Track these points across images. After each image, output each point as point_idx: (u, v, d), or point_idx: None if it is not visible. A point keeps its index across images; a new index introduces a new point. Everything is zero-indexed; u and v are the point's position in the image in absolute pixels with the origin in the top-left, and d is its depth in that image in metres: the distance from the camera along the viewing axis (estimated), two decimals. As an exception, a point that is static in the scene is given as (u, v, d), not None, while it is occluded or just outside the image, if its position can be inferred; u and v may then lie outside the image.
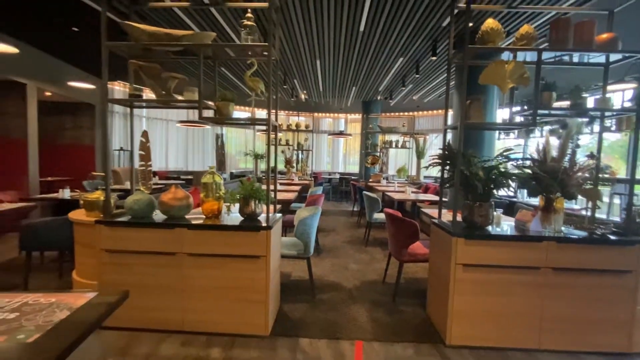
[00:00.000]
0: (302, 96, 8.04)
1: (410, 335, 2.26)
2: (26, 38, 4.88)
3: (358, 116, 10.55)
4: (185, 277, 2.19)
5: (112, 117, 7.81)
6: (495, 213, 2.23)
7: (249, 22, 2.22)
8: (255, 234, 2.13)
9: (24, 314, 0.97)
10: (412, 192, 5.15)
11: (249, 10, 2.27)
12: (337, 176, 10.22)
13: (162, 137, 9.27)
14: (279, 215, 2.51)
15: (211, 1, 2.36)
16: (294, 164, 8.02)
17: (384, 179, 7.31)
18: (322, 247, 4.41)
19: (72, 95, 6.34)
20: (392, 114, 9.72)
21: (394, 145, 7.45)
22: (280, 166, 9.53)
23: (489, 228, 2.22)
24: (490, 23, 2.16)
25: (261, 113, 9.30)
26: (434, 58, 4.67)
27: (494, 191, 2.16)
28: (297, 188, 5.37)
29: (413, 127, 9.56)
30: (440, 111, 9.59)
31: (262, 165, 9.19)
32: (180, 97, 2.31)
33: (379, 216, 4.48)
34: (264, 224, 2.16)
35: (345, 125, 10.93)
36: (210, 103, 2.31)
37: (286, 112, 10.11)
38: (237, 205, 2.33)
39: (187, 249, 2.17)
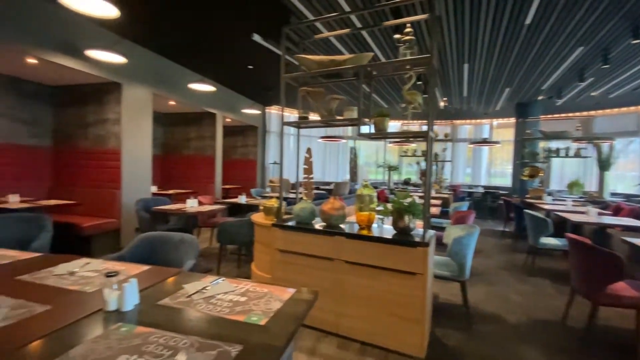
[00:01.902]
0: (441, 104, 7.57)
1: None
2: (216, 78, 6.37)
3: (508, 120, 9.15)
4: (341, 282, 2.32)
5: (269, 136, 9.30)
6: None
7: (407, 37, 2.23)
8: (411, 250, 2.08)
9: (250, 298, 1.20)
10: (597, 213, 4.03)
11: (408, 25, 2.28)
12: (480, 190, 9.08)
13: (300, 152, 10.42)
14: (432, 232, 2.38)
15: (368, 24, 2.51)
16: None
17: (547, 194, 6.03)
18: (471, 270, 3.95)
19: (243, 119, 7.89)
20: (558, 115, 7.98)
21: (562, 153, 6.07)
22: (395, 176, 9.20)
23: None
24: None
25: (399, 125, 9.24)
26: (636, 42, 3.59)
27: None
28: (438, 202, 5.03)
29: (590, 131, 7.56)
30: (632, 108, 7.27)
31: (395, 177, 9.11)
32: (339, 117, 2.52)
33: (548, 241, 3.69)
34: (418, 240, 2.09)
35: (490, 132, 9.66)
36: (366, 120, 2.43)
37: (421, 121, 9.74)
38: (388, 217, 2.34)
39: (344, 257, 2.30)
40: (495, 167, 10.13)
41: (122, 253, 1.88)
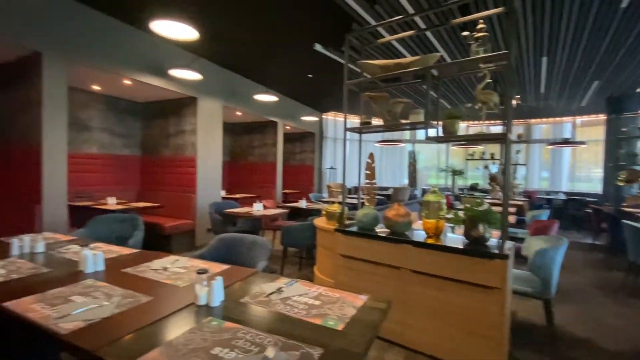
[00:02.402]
0: (514, 102, 6.93)
1: None
2: (278, 88, 6.67)
3: (596, 118, 8.02)
4: (407, 292, 2.24)
5: (325, 142, 9.45)
6: None
7: (480, 34, 2.09)
8: (487, 262, 1.92)
9: (324, 302, 1.22)
10: None
11: (480, 21, 2.15)
12: (561, 196, 8.07)
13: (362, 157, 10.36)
14: (511, 243, 2.18)
15: (433, 25, 2.41)
16: (500, 182, 6.97)
17: (651, 203, 5.10)
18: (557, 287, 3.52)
19: (302, 127, 8.14)
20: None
21: (671, 154, 5.10)
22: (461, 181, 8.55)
23: None
24: None
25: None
26: None
27: None
28: (512, 209, 4.58)
29: None
30: None
31: (459, 182, 8.55)
32: (404, 121, 2.46)
33: (657, 258, 3.13)
34: (496, 251, 1.92)
35: (572, 131, 8.56)
36: (434, 122, 2.33)
37: (489, 122, 9.01)
38: (459, 226, 2.20)
39: (410, 265, 2.22)
40: (579, 171, 8.92)
41: (202, 252, 2.06)
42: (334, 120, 9.56)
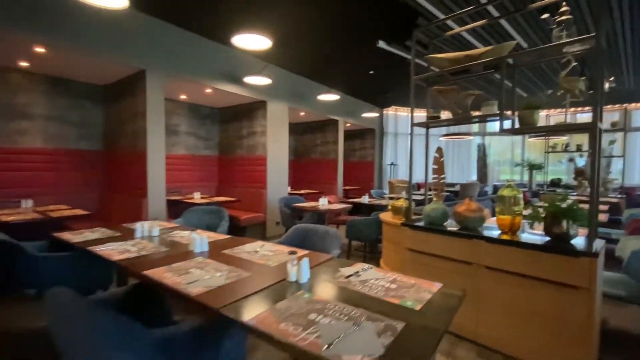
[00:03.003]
0: (606, 85, 6.07)
1: None
2: (339, 87, 6.81)
3: None
4: (480, 288, 2.20)
5: (386, 137, 9.35)
6: None
7: (563, 17, 1.96)
8: (573, 260, 1.81)
9: (400, 287, 1.33)
10: None
11: (564, 2, 2.00)
12: (672, 194, 6.83)
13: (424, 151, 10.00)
14: (601, 241, 2.00)
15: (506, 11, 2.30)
16: (588, 176, 6.17)
17: None
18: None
19: (362, 123, 8.19)
20: None
21: None
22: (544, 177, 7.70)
23: None
24: None
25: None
26: None
27: None
28: (604, 207, 4.08)
29: None
30: None
31: (538, 177, 7.78)
32: (475, 113, 2.40)
33: None
34: (582, 249, 1.80)
35: (688, 117, 7.16)
36: (508, 113, 2.24)
37: (574, 108, 7.99)
38: (539, 223, 2.08)
39: (483, 261, 2.18)
40: (698, 163, 7.41)
41: (281, 240, 2.30)
42: (394, 115, 9.39)
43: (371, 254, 4.18)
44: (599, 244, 1.91)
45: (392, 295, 1.24)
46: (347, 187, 8.19)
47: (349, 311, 1.09)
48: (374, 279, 1.40)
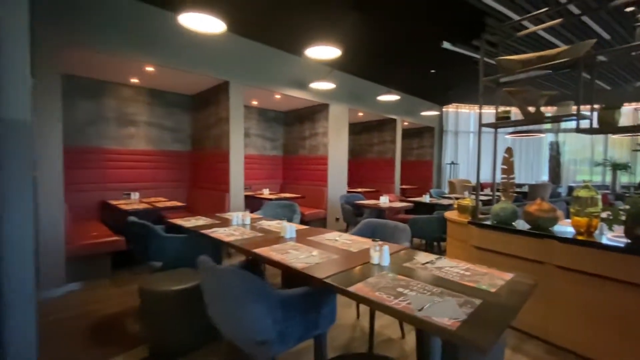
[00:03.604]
0: None
1: None
2: (399, 86, 6.86)
3: None
4: (551, 287, 2.22)
5: (445, 136, 9.10)
6: None
7: (652, 13, 1.90)
8: (658, 262, 1.77)
9: (473, 274, 1.49)
10: None
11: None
12: None
13: (491, 150, 9.51)
14: (694, 245, 1.90)
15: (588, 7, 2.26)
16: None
17: None
18: None
19: (420, 122, 8.11)
20: None
21: None
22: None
23: None
24: None
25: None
26: None
27: None
28: None
29: None
30: None
31: (623, 178, 7.00)
32: (549, 114, 2.39)
33: None
34: (671, 253, 1.75)
35: None
36: (587, 113, 2.21)
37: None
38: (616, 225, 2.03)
39: (556, 261, 2.20)
40: None
41: (354, 231, 2.55)
42: (455, 112, 9.09)
43: (432, 251, 4.24)
44: (691, 249, 1.83)
45: (467, 279, 1.41)
46: (404, 187, 8.19)
47: (430, 289, 1.30)
48: (449, 266, 1.58)
